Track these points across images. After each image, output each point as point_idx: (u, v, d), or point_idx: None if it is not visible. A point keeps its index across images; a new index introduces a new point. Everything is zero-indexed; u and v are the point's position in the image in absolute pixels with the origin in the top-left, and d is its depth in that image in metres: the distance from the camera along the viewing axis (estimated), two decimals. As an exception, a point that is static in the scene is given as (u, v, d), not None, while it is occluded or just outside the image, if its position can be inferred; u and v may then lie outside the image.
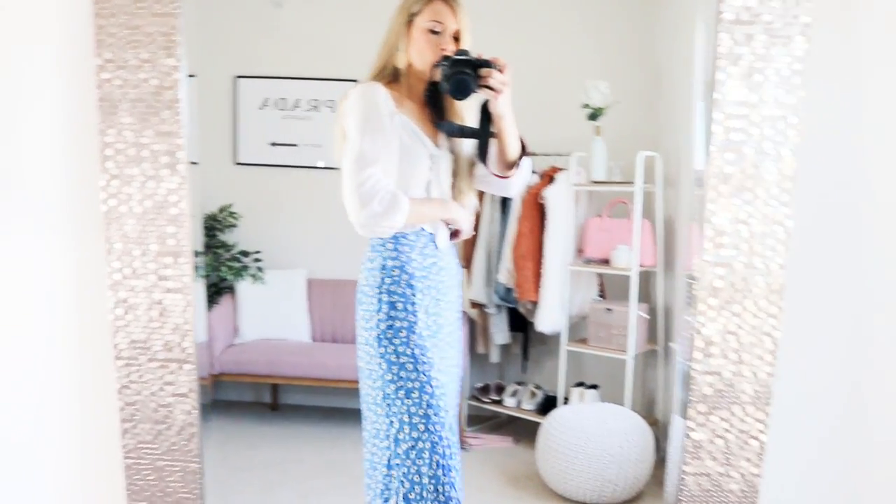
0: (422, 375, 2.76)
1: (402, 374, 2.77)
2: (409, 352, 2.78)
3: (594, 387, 5.43)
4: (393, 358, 2.79)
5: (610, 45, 5.71)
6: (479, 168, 3.00)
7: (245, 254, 5.84)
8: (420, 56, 2.87)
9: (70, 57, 3.09)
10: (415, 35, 2.86)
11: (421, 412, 2.74)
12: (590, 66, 5.64)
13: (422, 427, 2.74)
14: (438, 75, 2.83)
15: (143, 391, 3.11)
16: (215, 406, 5.62)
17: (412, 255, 2.85)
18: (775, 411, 3.04)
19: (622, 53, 5.68)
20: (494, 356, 5.76)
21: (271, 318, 5.81)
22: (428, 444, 2.73)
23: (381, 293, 2.84)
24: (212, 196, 5.88)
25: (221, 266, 5.71)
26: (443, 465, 2.73)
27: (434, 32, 2.84)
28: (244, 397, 6.11)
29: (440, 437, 2.74)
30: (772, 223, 2.95)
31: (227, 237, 5.88)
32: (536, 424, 5.13)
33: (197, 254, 5.49)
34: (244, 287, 5.79)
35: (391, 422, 2.79)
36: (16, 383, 3.28)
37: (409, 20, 2.87)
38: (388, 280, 2.84)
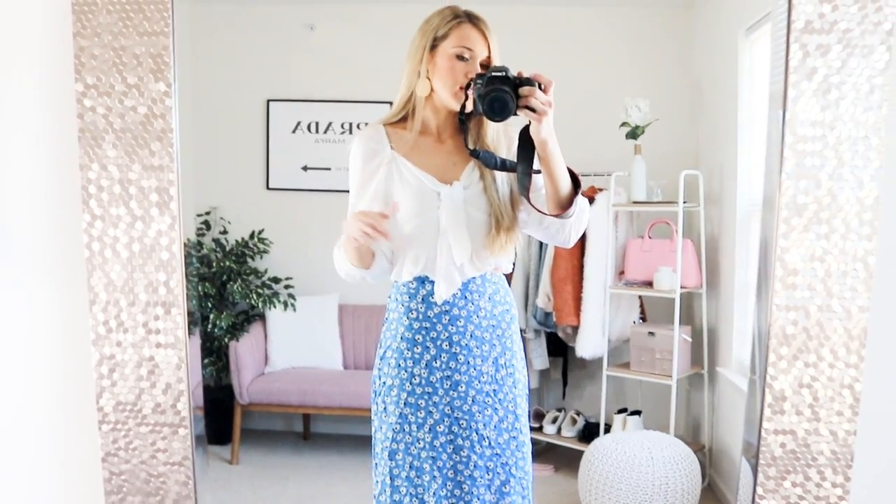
0: (407, 436, 2.49)
1: (389, 433, 2.52)
2: (397, 411, 2.51)
3: (637, 413, 5.16)
4: (383, 416, 2.55)
5: (649, 61, 5.56)
6: (524, 210, 2.56)
7: (276, 280, 5.69)
8: (443, 84, 2.46)
9: (47, 83, 2.74)
10: (439, 62, 2.46)
11: (403, 475, 2.49)
12: (628, 84, 5.44)
13: (403, 490, 2.50)
14: (472, 95, 2.41)
15: (131, 459, 2.77)
16: (246, 436, 5.55)
17: (411, 305, 2.52)
18: (857, 475, 2.70)
19: (661, 70, 5.53)
20: (533, 382, 5.49)
21: (302, 345, 5.64)
22: None
23: (378, 346, 2.62)
24: (243, 222, 5.81)
25: (252, 293, 5.51)
26: None
27: (462, 59, 2.43)
28: (275, 427, 6.04)
29: (422, 502, 2.49)
30: (851, 260, 2.61)
31: (257, 264, 5.76)
32: (577, 452, 4.94)
33: (225, 283, 5.46)
34: (275, 314, 5.61)
35: (376, 482, 2.57)
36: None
37: (434, 45, 2.47)
38: (387, 333, 2.58)
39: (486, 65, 2.44)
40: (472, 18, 2.45)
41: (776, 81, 2.56)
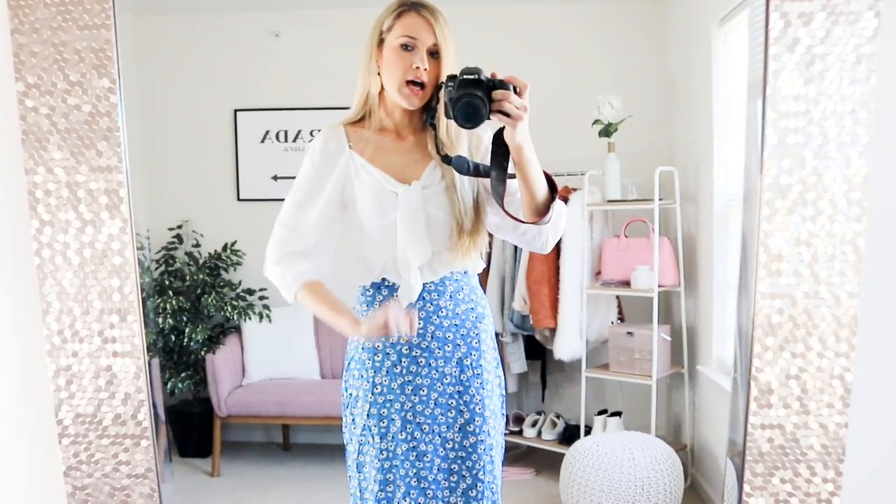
0: (371, 448, 2.39)
1: (356, 445, 2.43)
2: (361, 422, 2.41)
3: (617, 414, 5.03)
4: (352, 428, 2.45)
5: (620, 57, 5.43)
6: (494, 214, 2.40)
7: (250, 292, 5.53)
8: (389, 76, 2.31)
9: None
10: (386, 55, 2.32)
11: (370, 487, 2.39)
12: (600, 80, 5.34)
13: None
14: (443, 98, 2.23)
15: (94, 473, 2.61)
16: (226, 448, 5.43)
17: (369, 313, 2.40)
18: (849, 470, 2.53)
19: (634, 65, 5.41)
20: (512, 385, 5.35)
21: (279, 356, 5.48)
22: None
23: (344, 357, 2.53)
24: (215, 234, 5.67)
25: (226, 305, 5.35)
26: None
27: (406, 48, 2.29)
28: (255, 438, 5.91)
29: None
30: (840, 243, 2.42)
31: (231, 276, 5.63)
32: (558, 455, 4.82)
33: (199, 296, 5.28)
34: (250, 326, 5.45)
35: (350, 495, 2.49)
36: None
37: (381, 39, 2.34)
38: (351, 343, 2.47)
39: (433, 52, 2.30)
40: (416, 6, 2.31)
41: (756, 54, 2.37)
